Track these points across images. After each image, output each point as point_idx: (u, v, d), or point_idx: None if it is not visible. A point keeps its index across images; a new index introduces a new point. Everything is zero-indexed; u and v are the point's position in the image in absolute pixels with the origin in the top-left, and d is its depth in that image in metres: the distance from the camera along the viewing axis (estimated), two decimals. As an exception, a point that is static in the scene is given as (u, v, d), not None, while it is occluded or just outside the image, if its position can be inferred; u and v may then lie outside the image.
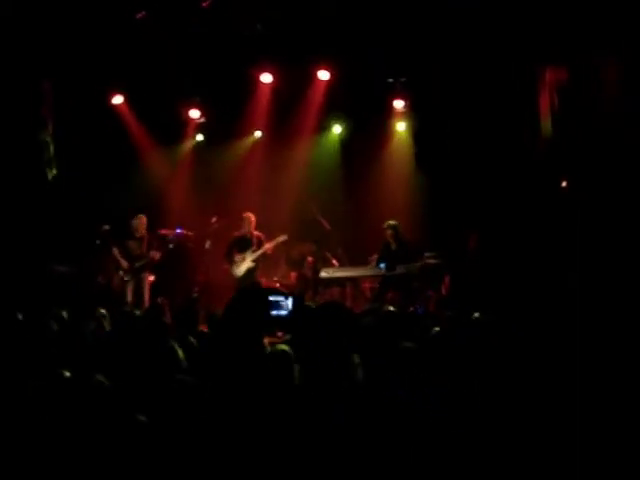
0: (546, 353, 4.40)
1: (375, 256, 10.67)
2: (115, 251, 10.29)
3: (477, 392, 3.74)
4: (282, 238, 10.73)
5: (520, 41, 9.24)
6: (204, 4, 10.01)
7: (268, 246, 10.67)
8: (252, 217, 10.81)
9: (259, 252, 10.68)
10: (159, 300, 9.53)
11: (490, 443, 3.27)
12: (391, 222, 10.54)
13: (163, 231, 11.29)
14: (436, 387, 3.79)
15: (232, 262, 10.72)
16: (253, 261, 10.70)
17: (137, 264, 10.24)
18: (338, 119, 12.62)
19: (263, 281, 11.37)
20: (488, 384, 3.89)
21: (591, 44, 8.42)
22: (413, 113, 11.96)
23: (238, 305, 4.69)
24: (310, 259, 11.37)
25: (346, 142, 12.70)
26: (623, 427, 3.34)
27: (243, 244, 10.75)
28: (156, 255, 10.27)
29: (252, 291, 8.16)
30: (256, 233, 10.82)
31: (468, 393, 3.71)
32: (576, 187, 8.67)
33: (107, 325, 6.54)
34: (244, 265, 10.69)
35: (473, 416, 3.48)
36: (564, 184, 8.97)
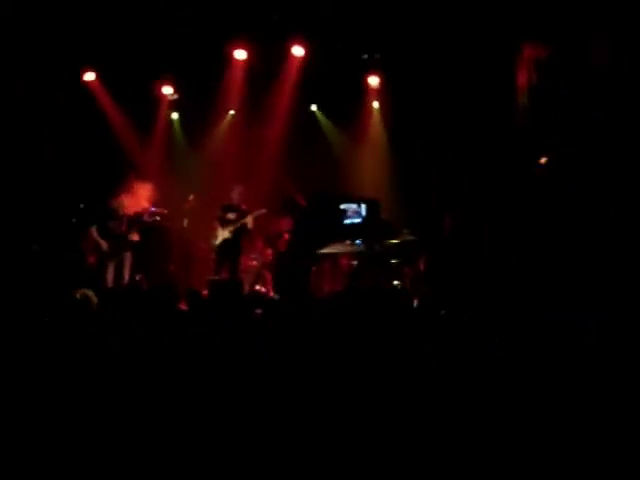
0: (519, 337, 4.44)
1: (352, 232, 10.68)
2: (93, 231, 10.16)
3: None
4: (260, 212, 10.73)
5: (499, 16, 9.25)
6: (178, -22, 9.89)
7: (247, 219, 10.63)
8: (241, 188, 10.88)
9: (237, 224, 10.64)
10: (138, 278, 9.54)
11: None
12: (368, 198, 10.60)
13: (138, 210, 11.17)
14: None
15: (216, 228, 10.72)
16: (230, 232, 10.65)
17: (117, 244, 10.12)
18: (313, 96, 12.57)
19: (241, 258, 11.38)
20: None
21: (572, 19, 8.45)
22: (388, 90, 11.95)
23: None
24: (287, 236, 11.34)
25: (321, 119, 12.64)
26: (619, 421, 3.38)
27: (225, 214, 10.76)
28: (135, 237, 10.18)
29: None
30: (243, 206, 10.82)
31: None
32: (554, 164, 8.73)
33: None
34: (220, 237, 10.67)
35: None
36: (543, 161, 9.04)
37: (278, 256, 11.30)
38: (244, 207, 10.82)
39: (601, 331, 4.41)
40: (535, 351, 4.15)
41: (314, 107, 12.84)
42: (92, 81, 11.68)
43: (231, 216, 10.71)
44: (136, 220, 10.51)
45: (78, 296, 5.54)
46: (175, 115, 12.87)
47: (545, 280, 7.42)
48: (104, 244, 10.07)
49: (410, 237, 10.11)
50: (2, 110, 10.21)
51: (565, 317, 4.77)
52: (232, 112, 12.88)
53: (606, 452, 3.14)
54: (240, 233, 10.78)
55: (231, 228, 10.66)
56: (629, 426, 3.29)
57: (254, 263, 11.36)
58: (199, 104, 12.24)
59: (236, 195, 10.83)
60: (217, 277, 10.14)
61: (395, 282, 9.55)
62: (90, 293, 5.81)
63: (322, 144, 12.51)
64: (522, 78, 9.56)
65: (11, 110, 10.36)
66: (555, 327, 4.52)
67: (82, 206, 10.34)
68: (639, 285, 7.24)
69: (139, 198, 10.58)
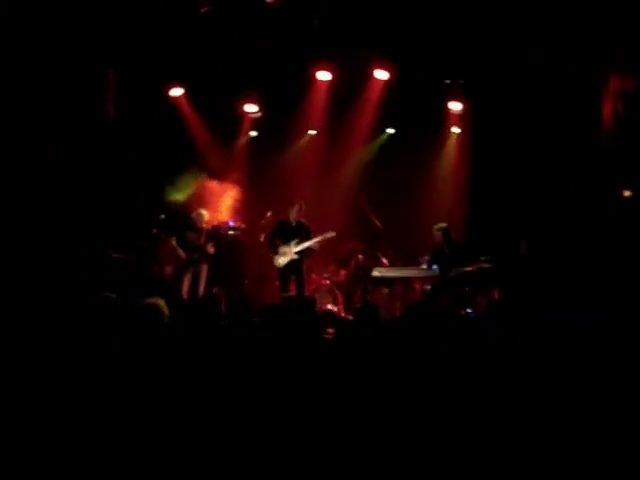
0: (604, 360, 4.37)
1: (426, 257, 10.59)
2: (172, 241, 10.38)
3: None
4: (330, 234, 10.54)
5: (586, 46, 9.15)
6: (202, 10, 10.10)
7: (315, 241, 10.51)
8: (301, 204, 10.67)
9: (304, 245, 10.49)
10: (215, 290, 9.68)
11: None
12: (441, 224, 10.47)
13: (216, 224, 11.39)
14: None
15: (275, 250, 10.58)
16: (297, 253, 10.52)
17: (195, 256, 10.34)
18: (393, 118, 12.62)
19: (312, 277, 11.45)
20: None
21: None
22: (470, 116, 11.92)
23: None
24: (360, 257, 11.36)
25: (401, 142, 12.68)
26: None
27: (287, 232, 10.57)
28: (211, 249, 10.35)
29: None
30: (304, 223, 10.68)
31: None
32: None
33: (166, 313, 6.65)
34: (287, 256, 10.50)
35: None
36: (627, 193, 8.87)
37: (350, 277, 11.33)
38: (305, 224, 10.67)
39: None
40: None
41: (391, 130, 12.88)
42: (178, 96, 11.96)
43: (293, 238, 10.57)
44: (215, 233, 10.73)
45: (148, 304, 5.62)
46: (254, 133, 13.06)
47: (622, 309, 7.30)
48: (182, 254, 10.28)
49: (486, 265, 9.98)
50: (89, 117, 10.51)
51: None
52: (313, 132, 13.04)
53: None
54: (306, 253, 10.67)
55: (297, 249, 10.52)
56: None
57: (327, 282, 11.42)
58: (281, 123, 12.43)
59: (294, 212, 10.64)
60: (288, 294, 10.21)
61: (468, 310, 9.45)
62: (161, 302, 5.89)
63: (400, 167, 12.52)
64: (608, 109, 9.42)
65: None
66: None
67: (163, 217, 10.56)
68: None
69: (219, 210, 10.82)
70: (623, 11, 8.64)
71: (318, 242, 10.57)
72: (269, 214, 11.41)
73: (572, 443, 3.22)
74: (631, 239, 8.57)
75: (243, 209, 11.89)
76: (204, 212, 10.61)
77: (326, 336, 6.53)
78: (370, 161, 12.79)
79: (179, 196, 11.25)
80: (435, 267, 10.22)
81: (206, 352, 4.84)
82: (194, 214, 10.52)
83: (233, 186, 11.82)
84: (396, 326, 6.45)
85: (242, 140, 13.04)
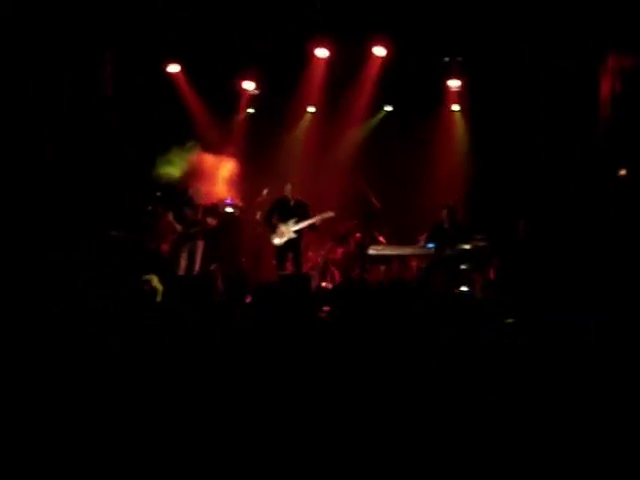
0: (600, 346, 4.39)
1: (424, 235, 10.61)
2: (170, 215, 10.38)
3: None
4: (328, 214, 10.58)
5: (583, 25, 9.10)
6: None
7: (313, 220, 10.53)
8: (288, 185, 10.68)
9: (303, 224, 10.52)
10: (212, 267, 9.71)
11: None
12: (450, 203, 10.54)
13: (214, 201, 11.37)
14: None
15: (273, 229, 10.59)
16: (295, 232, 10.52)
17: (192, 230, 10.32)
18: (391, 97, 12.57)
19: (309, 255, 11.47)
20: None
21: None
22: (468, 94, 11.88)
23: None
24: (357, 235, 11.36)
25: (399, 120, 12.64)
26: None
27: (285, 211, 10.59)
28: (213, 222, 10.37)
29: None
30: (300, 201, 10.69)
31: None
32: (636, 176, 8.56)
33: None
34: (285, 236, 10.50)
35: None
36: (623, 172, 8.86)
37: (348, 255, 11.34)
38: (301, 202, 10.68)
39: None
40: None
41: (389, 108, 12.83)
42: (176, 72, 11.90)
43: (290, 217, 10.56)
44: (213, 210, 10.73)
45: (142, 281, 5.64)
46: (251, 110, 13.00)
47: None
48: (179, 227, 10.28)
49: (482, 243, 10.00)
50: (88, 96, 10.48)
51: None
52: (312, 109, 12.99)
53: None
54: (304, 230, 10.68)
55: (295, 228, 10.52)
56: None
57: (323, 260, 11.44)
58: (278, 100, 12.38)
59: (288, 190, 10.66)
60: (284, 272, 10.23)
61: (464, 288, 9.47)
62: (155, 279, 5.90)
63: (399, 145, 12.49)
64: (606, 87, 9.38)
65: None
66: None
67: (159, 194, 10.56)
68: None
69: (215, 183, 10.83)
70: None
71: (316, 222, 10.58)
72: (265, 192, 11.42)
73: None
74: (629, 224, 8.55)
75: (240, 186, 11.84)
76: (201, 188, 10.58)
77: (321, 314, 6.54)
78: (368, 139, 12.73)
79: (174, 170, 11.19)
80: (431, 245, 10.25)
81: (202, 333, 4.86)
82: (191, 190, 10.50)
83: (229, 159, 11.77)
84: (388, 302, 6.46)
85: (240, 117, 12.97)
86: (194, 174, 11.14)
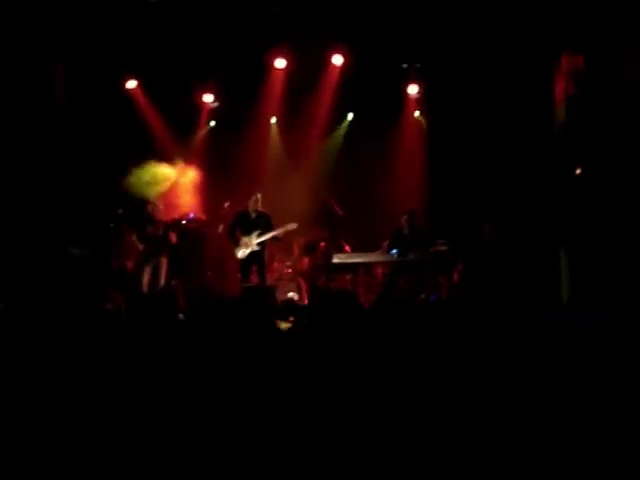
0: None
1: (387, 242, 10.65)
2: (132, 235, 10.29)
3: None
4: (291, 226, 10.55)
5: (536, 27, 9.19)
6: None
7: (276, 232, 10.49)
8: (258, 195, 10.62)
9: (266, 236, 10.47)
10: (173, 283, 9.65)
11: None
12: (409, 209, 10.63)
13: (176, 216, 11.33)
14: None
15: (236, 242, 10.55)
16: (258, 244, 10.47)
17: (153, 247, 10.24)
18: (352, 105, 12.60)
19: (275, 265, 11.44)
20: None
21: (608, 30, 8.36)
22: (427, 99, 11.94)
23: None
24: (322, 245, 11.33)
25: (360, 128, 12.67)
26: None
27: (247, 224, 10.55)
28: (173, 238, 10.30)
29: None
30: (262, 213, 10.63)
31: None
32: (590, 174, 8.64)
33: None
34: (249, 248, 10.46)
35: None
36: (578, 171, 8.95)
37: (313, 265, 11.32)
38: (264, 213, 10.65)
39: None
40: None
41: (350, 116, 12.86)
42: (133, 88, 11.86)
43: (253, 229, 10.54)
44: (175, 225, 10.67)
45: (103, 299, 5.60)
46: (212, 123, 12.96)
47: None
48: (140, 246, 10.20)
49: (444, 247, 10.07)
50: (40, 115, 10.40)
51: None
52: (273, 120, 12.97)
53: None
54: (266, 244, 10.65)
55: (258, 240, 10.48)
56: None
57: (289, 271, 11.41)
58: (238, 112, 12.32)
59: (251, 203, 10.62)
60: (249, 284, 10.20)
61: (427, 294, 9.51)
62: (118, 296, 5.86)
63: (361, 152, 12.51)
64: (560, 89, 9.48)
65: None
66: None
67: (120, 211, 10.47)
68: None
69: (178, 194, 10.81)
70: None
71: (280, 234, 10.54)
72: (227, 205, 11.34)
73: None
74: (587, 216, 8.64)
75: (202, 199, 11.81)
76: (157, 202, 10.51)
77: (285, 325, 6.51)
78: (330, 148, 12.73)
79: (139, 185, 11.12)
80: (394, 252, 10.28)
81: (165, 350, 4.81)
82: (149, 206, 10.40)
83: (189, 167, 11.75)
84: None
85: (202, 131, 12.93)
86: (156, 187, 11.11)
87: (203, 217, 11.67)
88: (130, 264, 10.70)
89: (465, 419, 3.39)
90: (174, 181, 11.55)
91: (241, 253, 10.52)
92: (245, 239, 10.50)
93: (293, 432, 3.39)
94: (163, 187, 11.42)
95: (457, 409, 3.48)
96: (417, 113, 12.47)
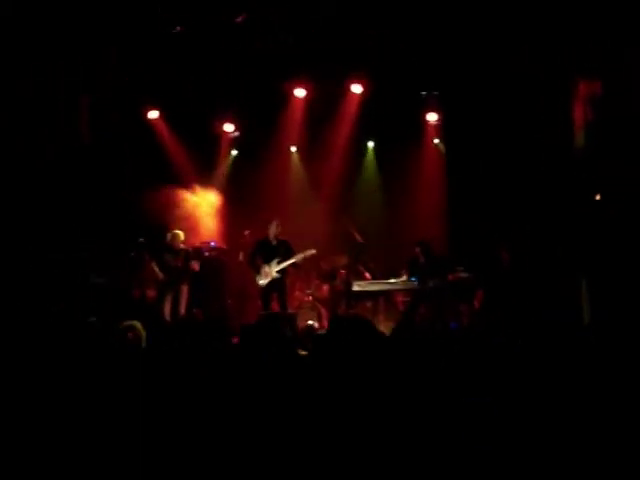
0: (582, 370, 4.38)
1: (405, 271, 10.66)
2: (152, 264, 10.33)
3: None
4: (310, 252, 10.51)
5: (554, 54, 9.22)
6: (238, 19, 10.13)
7: (296, 259, 10.46)
8: (278, 222, 10.60)
9: (285, 264, 10.44)
10: (194, 311, 9.69)
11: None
12: (422, 240, 10.61)
13: (198, 245, 11.38)
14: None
15: (257, 270, 10.53)
16: (278, 272, 10.46)
17: (173, 277, 10.29)
18: (372, 132, 12.67)
19: (295, 294, 11.44)
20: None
21: (625, 56, 8.37)
22: (446, 126, 11.98)
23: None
24: (343, 272, 11.33)
25: (380, 156, 12.73)
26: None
27: (268, 251, 10.53)
28: (196, 266, 10.33)
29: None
30: (282, 240, 10.60)
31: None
32: (610, 200, 8.61)
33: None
34: (269, 276, 10.42)
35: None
36: (598, 197, 8.91)
37: (334, 292, 11.32)
38: (284, 241, 10.59)
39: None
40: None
41: (371, 144, 12.93)
42: (155, 118, 12.02)
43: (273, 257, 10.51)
44: (196, 254, 10.71)
45: (123, 327, 5.61)
46: (234, 152, 13.07)
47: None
48: (160, 275, 10.25)
49: (465, 274, 10.04)
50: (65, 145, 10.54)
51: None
52: (293, 148, 13.07)
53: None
54: (287, 271, 10.62)
55: (278, 268, 10.45)
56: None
57: (309, 299, 11.42)
58: (259, 141, 12.44)
59: (271, 230, 10.59)
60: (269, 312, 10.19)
61: (449, 321, 9.47)
62: (137, 325, 5.87)
63: (382, 179, 12.57)
64: (579, 114, 9.46)
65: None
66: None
67: (142, 240, 10.52)
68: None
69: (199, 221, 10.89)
70: (588, 16, 8.72)
71: (299, 260, 10.54)
72: (247, 233, 11.37)
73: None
74: (607, 242, 8.60)
75: (223, 227, 11.89)
76: (179, 232, 10.56)
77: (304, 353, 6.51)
78: (350, 176, 12.77)
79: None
80: (414, 279, 10.26)
81: (186, 377, 4.83)
82: (169, 235, 10.46)
83: (210, 192, 11.85)
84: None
85: (224, 160, 13.05)
86: (176, 216, 11.19)
87: (224, 245, 11.73)
88: (151, 293, 10.73)
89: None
90: (195, 207, 11.62)
91: (262, 281, 10.49)
92: (266, 267, 10.48)
93: (310, 457, 3.40)
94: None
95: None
96: (436, 140, 12.51)
